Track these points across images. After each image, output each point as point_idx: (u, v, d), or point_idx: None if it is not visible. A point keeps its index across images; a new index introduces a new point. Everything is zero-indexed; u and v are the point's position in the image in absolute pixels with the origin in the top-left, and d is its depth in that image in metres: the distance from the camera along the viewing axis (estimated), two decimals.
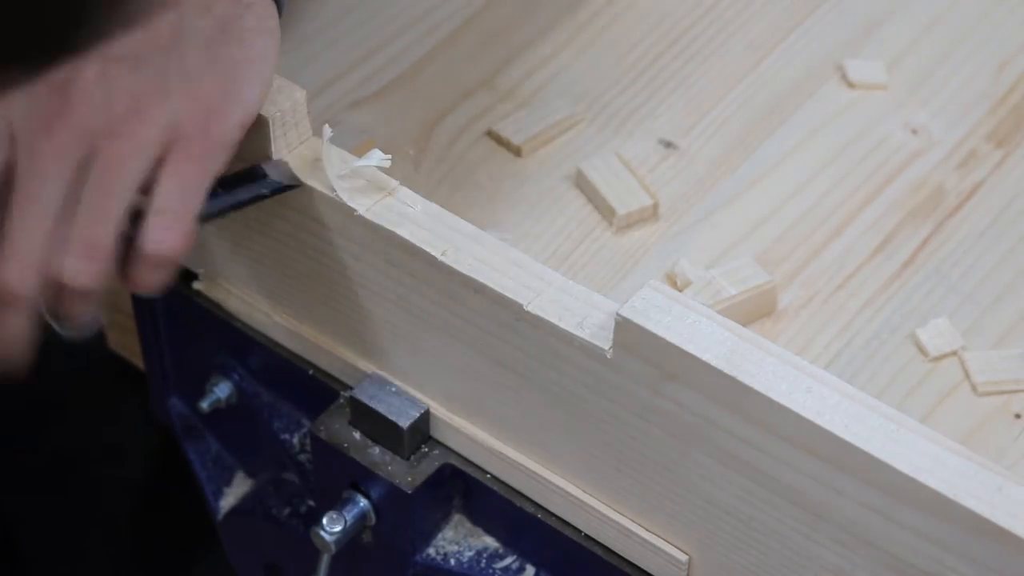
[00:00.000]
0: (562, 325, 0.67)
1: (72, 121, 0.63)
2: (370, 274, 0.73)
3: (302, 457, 0.85)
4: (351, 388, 0.78)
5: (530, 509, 0.76)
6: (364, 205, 0.71)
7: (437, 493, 0.78)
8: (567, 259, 0.84)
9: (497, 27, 0.97)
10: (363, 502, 0.78)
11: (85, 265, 0.64)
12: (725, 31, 0.97)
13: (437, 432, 0.77)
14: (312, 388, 0.82)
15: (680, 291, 0.73)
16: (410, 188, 0.72)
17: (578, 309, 0.67)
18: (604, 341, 0.66)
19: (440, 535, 0.80)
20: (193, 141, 0.65)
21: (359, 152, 0.75)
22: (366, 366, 0.78)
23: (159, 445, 1.15)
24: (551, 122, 0.90)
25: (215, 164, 0.67)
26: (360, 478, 0.78)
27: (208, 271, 0.83)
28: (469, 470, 0.77)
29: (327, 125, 0.72)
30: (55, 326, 0.67)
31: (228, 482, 0.93)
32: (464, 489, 0.78)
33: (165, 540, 1.24)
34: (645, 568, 0.73)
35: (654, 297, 0.64)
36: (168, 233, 0.65)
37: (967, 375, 0.79)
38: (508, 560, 0.79)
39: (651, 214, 0.86)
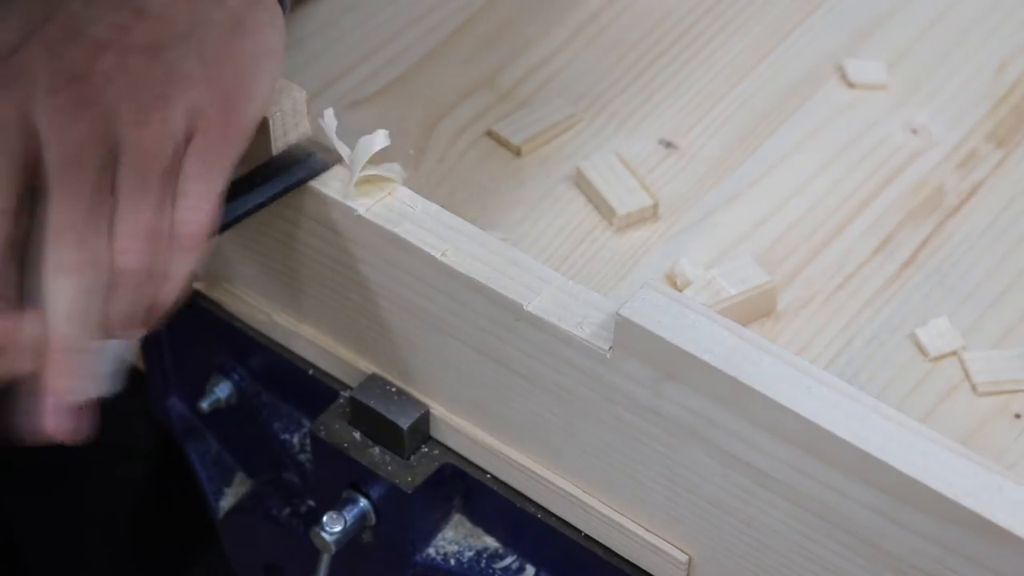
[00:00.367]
0: (562, 325, 0.67)
1: (96, 110, 0.63)
2: (370, 274, 0.73)
3: (302, 457, 0.85)
4: (351, 388, 0.78)
5: (530, 509, 0.76)
6: (364, 205, 0.71)
7: (437, 493, 0.78)
8: (567, 259, 0.84)
9: (497, 27, 0.97)
10: (363, 502, 0.78)
11: (143, 250, 0.64)
12: (725, 31, 0.97)
13: (437, 432, 0.77)
14: (312, 388, 0.82)
15: (680, 291, 0.73)
16: (410, 188, 0.72)
17: (578, 309, 0.67)
18: (604, 341, 0.66)
19: (440, 535, 0.80)
20: (214, 127, 0.65)
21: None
22: (366, 366, 0.78)
23: (159, 445, 1.15)
24: (551, 122, 0.90)
25: (235, 150, 0.67)
26: (360, 478, 0.78)
27: (209, 272, 0.83)
28: (469, 470, 0.77)
29: (330, 110, 0.72)
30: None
31: (228, 482, 0.93)
32: (464, 489, 0.78)
33: (165, 540, 1.24)
34: (645, 568, 0.73)
35: (654, 297, 0.64)
36: (195, 213, 0.65)
37: (967, 375, 0.79)
38: (508, 560, 0.79)
39: (651, 214, 0.86)
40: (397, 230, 0.70)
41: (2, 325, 0.63)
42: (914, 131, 0.92)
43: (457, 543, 0.80)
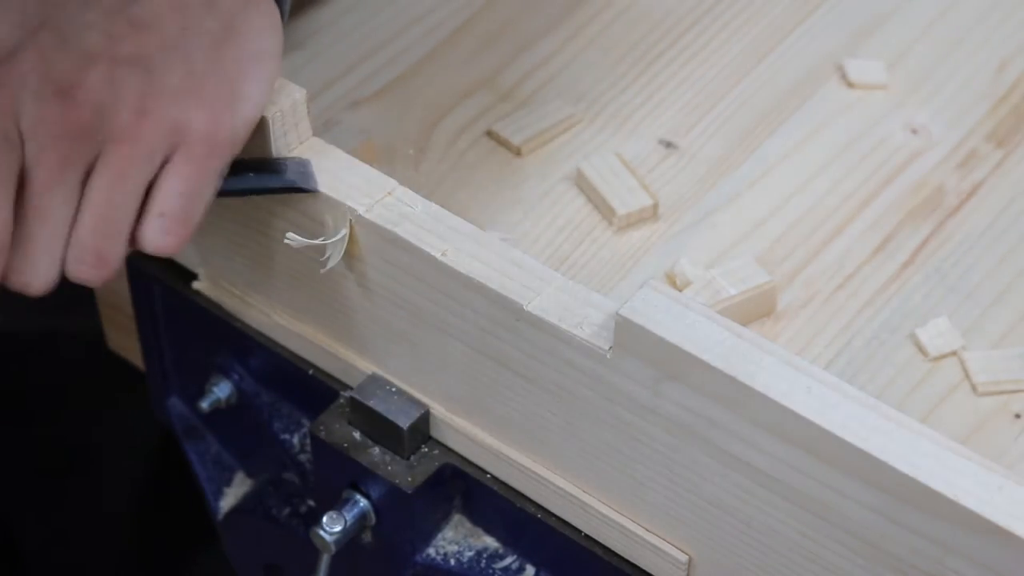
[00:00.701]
0: (562, 325, 0.67)
1: (77, 128, 0.64)
2: (370, 274, 0.73)
3: (302, 457, 0.85)
4: (351, 388, 0.78)
5: (530, 509, 0.76)
6: (364, 205, 0.71)
7: (437, 493, 0.78)
8: (567, 259, 0.84)
9: (497, 27, 0.97)
10: (363, 502, 0.78)
11: (96, 273, 0.67)
12: (725, 31, 0.97)
13: (437, 432, 0.77)
14: (312, 388, 0.82)
15: (680, 291, 0.73)
16: (410, 188, 0.72)
17: (578, 309, 0.67)
18: (604, 341, 0.66)
19: (440, 535, 0.80)
20: (198, 143, 0.66)
21: (359, 152, 0.75)
22: (366, 366, 0.78)
23: (159, 444, 1.15)
24: (551, 122, 0.90)
25: (220, 164, 0.68)
26: (360, 478, 0.78)
27: (208, 271, 0.83)
28: (469, 470, 0.77)
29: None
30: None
31: (228, 482, 0.93)
32: (464, 489, 0.78)
33: (165, 539, 1.24)
34: (645, 568, 0.73)
35: (654, 297, 0.64)
36: (168, 237, 0.67)
37: (967, 375, 0.79)
38: (508, 560, 0.79)
39: (651, 214, 0.86)
40: (397, 230, 0.70)
41: None
42: (914, 131, 0.92)
43: (457, 543, 0.80)
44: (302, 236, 0.72)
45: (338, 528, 0.77)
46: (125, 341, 0.98)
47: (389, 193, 0.72)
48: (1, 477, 1.16)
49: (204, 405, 0.87)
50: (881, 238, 0.86)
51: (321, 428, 0.78)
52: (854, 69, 0.94)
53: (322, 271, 0.73)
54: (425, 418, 0.77)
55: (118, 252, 0.67)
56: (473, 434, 0.76)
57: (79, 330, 1.07)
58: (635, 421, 0.67)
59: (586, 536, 0.75)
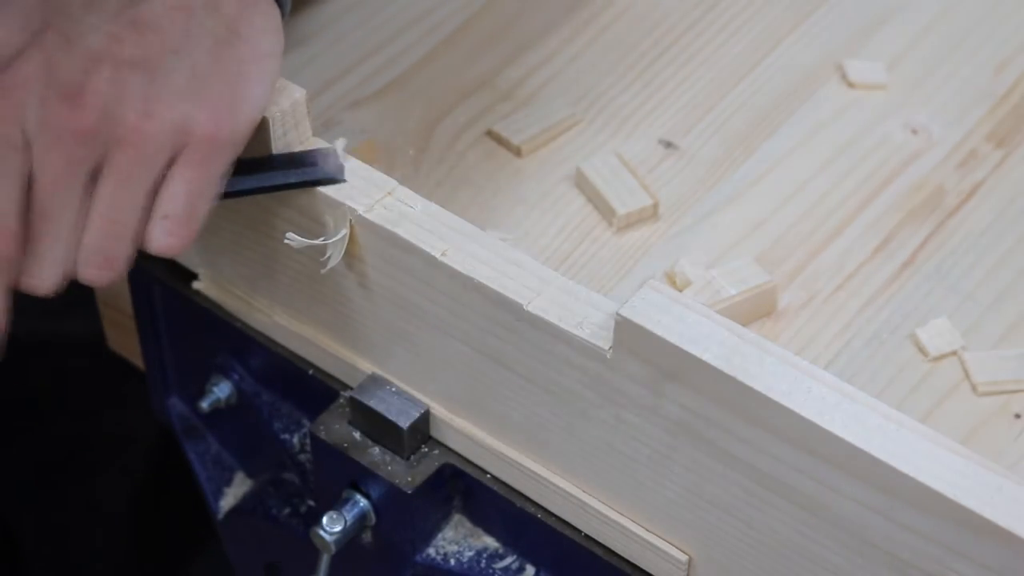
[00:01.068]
0: (562, 325, 0.67)
1: (83, 131, 0.64)
2: (370, 274, 0.73)
3: (302, 457, 0.85)
4: (351, 388, 0.78)
5: (530, 509, 0.76)
6: (364, 205, 0.71)
7: (437, 493, 0.78)
8: (567, 259, 0.84)
9: (497, 27, 0.97)
10: (363, 502, 0.78)
11: (103, 274, 0.67)
12: (725, 31, 0.97)
13: (437, 432, 0.77)
14: (312, 388, 0.82)
15: (680, 291, 0.73)
16: (410, 188, 0.72)
17: (578, 309, 0.67)
18: (604, 341, 0.66)
19: (440, 535, 0.80)
20: (202, 143, 0.66)
21: (359, 152, 0.75)
22: (366, 366, 0.78)
23: (159, 444, 1.16)
24: (551, 122, 0.90)
25: (223, 163, 0.68)
26: (360, 478, 0.78)
27: (208, 271, 0.83)
28: (469, 470, 0.77)
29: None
30: None
31: (228, 482, 0.93)
32: (464, 489, 0.78)
33: (165, 537, 1.24)
34: (645, 568, 0.73)
35: (654, 297, 0.64)
36: (172, 239, 0.68)
37: (967, 375, 0.79)
38: (508, 560, 0.79)
39: (651, 214, 0.86)
40: (397, 230, 0.70)
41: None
42: (914, 131, 0.92)
43: (457, 543, 0.80)
44: (302, 236, 0.73)
45: (338, 528, 0.77)
46: (125, 341, 0.98)
47: (389, 193, 0.72)
48: (1, 477, 1.17)
49: (204, 405, 0.87)
50: (881, 238, 0.86)
51: (321, 428, 0.78)
52: (854, 69, 0.94)
53: (322, 271, 0.73)
54: (425, 418, 0.77)
55: (125, 253, 0.67)
56: (473, 434, 0.76)
57: (79, 330, 1.07)
58: (635, 421, 0.67)
59: (586, 536, 0.75)
